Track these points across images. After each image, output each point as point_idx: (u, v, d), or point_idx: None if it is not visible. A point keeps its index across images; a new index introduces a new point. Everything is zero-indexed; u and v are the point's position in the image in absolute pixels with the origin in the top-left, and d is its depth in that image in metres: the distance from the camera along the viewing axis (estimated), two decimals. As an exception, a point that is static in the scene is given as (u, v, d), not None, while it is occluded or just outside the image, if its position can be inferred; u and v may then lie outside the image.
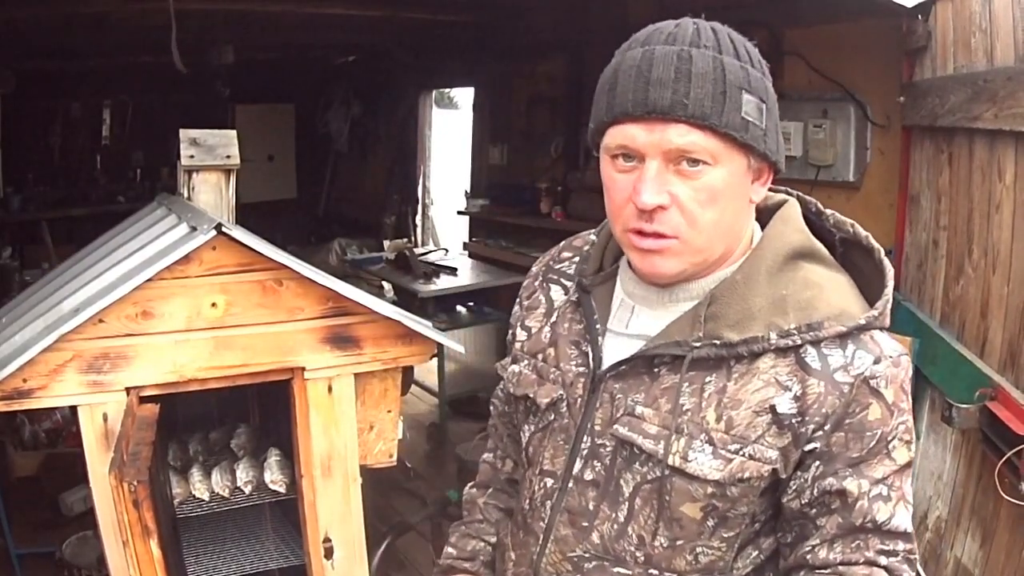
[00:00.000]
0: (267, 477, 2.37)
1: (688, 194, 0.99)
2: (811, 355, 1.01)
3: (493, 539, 1.34)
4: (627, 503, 1.08)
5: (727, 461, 1.02)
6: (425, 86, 7.07)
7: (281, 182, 8.35)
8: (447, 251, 6.27)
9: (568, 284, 1.22)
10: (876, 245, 1.11)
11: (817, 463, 1.02)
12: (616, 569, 1.10)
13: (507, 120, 5.75)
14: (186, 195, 2.50)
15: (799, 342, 1.01)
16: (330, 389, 2.22)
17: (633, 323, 1.12)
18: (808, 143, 3.34)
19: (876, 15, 2.85)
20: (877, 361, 1.01)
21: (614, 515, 1.09)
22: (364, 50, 7.08)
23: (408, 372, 2.44)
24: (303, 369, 2.18)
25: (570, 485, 1.13)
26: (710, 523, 1.05)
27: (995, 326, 2.13)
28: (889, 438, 1.01)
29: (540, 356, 1.19)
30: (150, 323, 2.00)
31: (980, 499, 2.15)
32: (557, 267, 1.26)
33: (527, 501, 1.20)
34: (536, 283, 1.27)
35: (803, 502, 1.04)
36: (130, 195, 7.26)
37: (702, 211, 1.00)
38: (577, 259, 1.24)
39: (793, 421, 1.01)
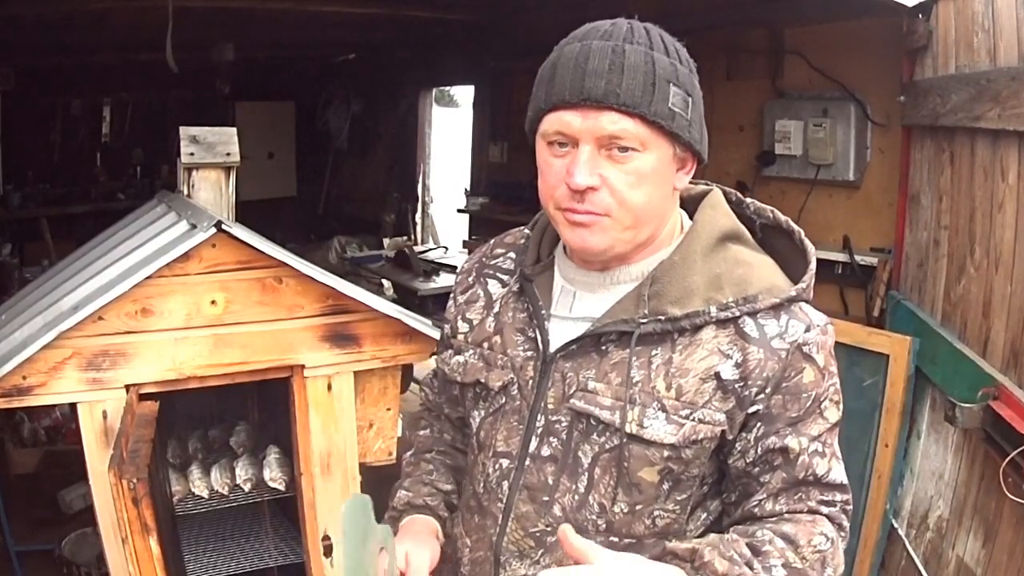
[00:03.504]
0: (266, 475, 2.37)
1: (618, 177, 1.07)
2: (749, 325, 1.10)
3: (447, 486, 1.37)
4: (587, 473, 1.14)
5: (680, 426, 1.09)
6: (425, 84, 7.06)
7: (281, 180, 8.34)
8: (447, 249, 6.26)
9: (504, 277, 1.29)
10: (796, 228, 1.21)
11: (759, 424, 1.10)
12: None
13: (507, 118, 5.74)
14: (186, 192, 2.49)
15: (737, 314, 1.10)
16: (329, 387, 2.22)
17: (576, 307, 1.18)
18: (808, 142, 3.33)
19: (877, 14, 2.85)
20: (808, 329, 1.11)
21: (574, 486, 1.15)
22: (364, 48, 7.07)
23: (408, 370, 2.44)
24: (303, 367, 2.17)
25: (527, 463, 1.18)
26: (665, 486, 1.13)
27: (998, 325, 2.13)
28: (821, 399, 1.12)
29: (486, 344, 1.24)
30: (150, 320, 2.00)
31: (982, 498, 2.15)
32: (492, 263, 1.33)
33: (481, 485, 1.24)
34: (471, 279, 1.33)
35: (747, 461, 1.12)
36: (130, 192, 7.26)
37: (631, 192, 1.07)
38: (512, 254, 1.31)
39: (736, 386, 1.09)
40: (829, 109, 3.26)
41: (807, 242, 1.19)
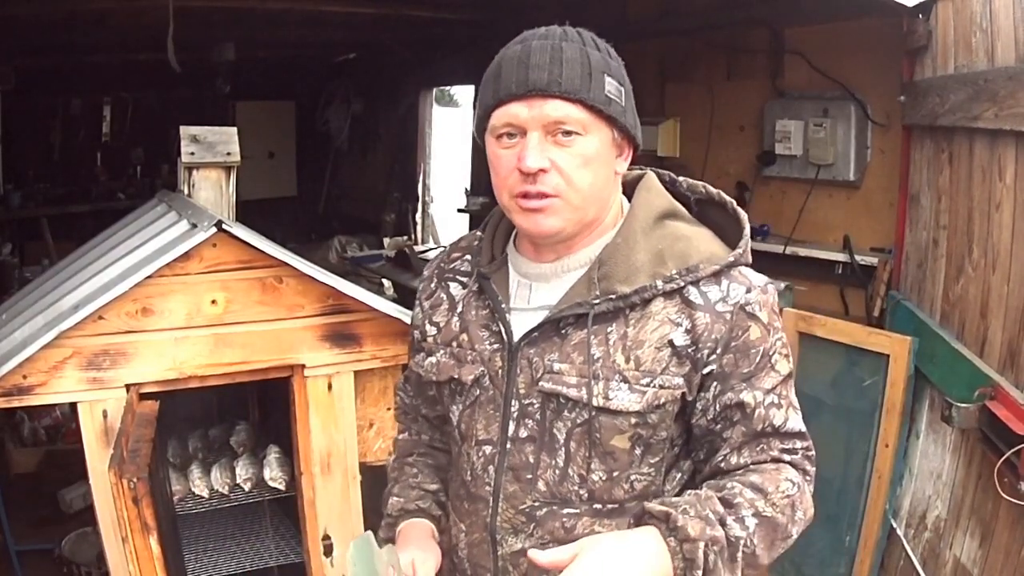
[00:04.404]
0: (266, 474, 2.37)
1: (565, 159, 1.16)
2: (693, 294, 1.18)
3: (433, 486, 1.44)
4: (563, 448, 1.22)
5: (642, 393, 1.17)
6: (426, 84, 7.06)
7: (281, 179, 8.34)
8: (447, 249, 6.25)
9: (464, 280, 1.37)
10: (728, 199, 1.30)
11: (715, 383, 1.19)
12: (565, 510, 1.23)
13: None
14: (186, 192, 2.50)
15: (681, 284, 1.18)
16: (330, 386, 2.22)
17: (533, 298, 1.27)
18: (808, 142, 3.33)
19: (876, 14, 2.85)
20: (749, 290, 1.19)
21: (554, 462, 1.23)
22: (365, 48, 7.07)
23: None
24: (303, 366, 2.18)
25: (508, 446, 1.25)
26: (638, 451, 1.21)
27: (995, 325, 2.13)
28: (770, 353, 1.19)
29: (454, 343, 1.32)
30: (150, 320, 2.00)
31: (979, 498, 2.15)
32: (450, 267, 1.41)
33: (468, 473, 1.32)
34: (432, 284, 1.41)
35: (708, 419, 1.20)
36: (130, 192, 7.27)
37: (577, 172, 1.17)
38: (468, 256, 1.40)
39: (689, 350, 1.17)
40: (829, 109, 3.26)
41: (740, 211, 1.28)
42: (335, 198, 8.31)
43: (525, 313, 1.26)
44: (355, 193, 7.95)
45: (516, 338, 1.24)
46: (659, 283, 1.18)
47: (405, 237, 6.74)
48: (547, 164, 1.16)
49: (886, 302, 2.89)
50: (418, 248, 6.09)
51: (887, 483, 2.61)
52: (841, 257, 3.20)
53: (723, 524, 1.10)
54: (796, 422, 1.22)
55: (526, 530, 1.25)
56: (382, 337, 2.24)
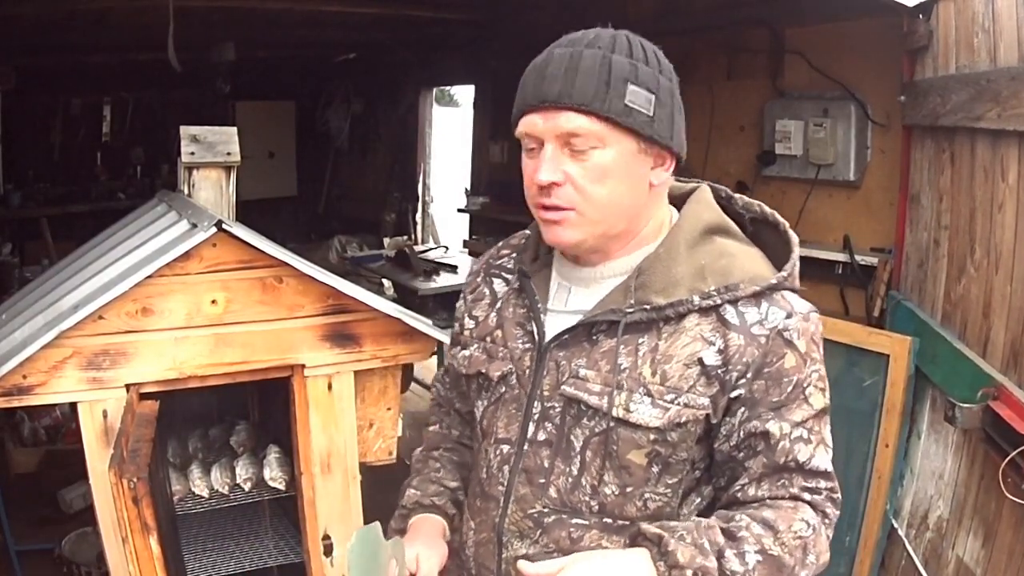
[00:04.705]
0: (266, 474, 2.37)
1: (579, 172, 1.14)
2: (730, 313, 1.14)
3: (453, 484, 1.43)
4: (579, 456, 1.19)
5: (665, 410, 1.14)
6: (426, 84, 7.06)
7: (281, 179, 8.34)
8: (447, 249, 6.25)
9: (508, 277, 1.36)
10: (781, 220, 1.26)
11: (743, 409, 1.14)
12: (574, 520, 1.21)
13: (507, 118, 5.68)
14: (186, 192, 2.49)
15: (719, 302, 1.14)
16: (330, 386, 2.22)
17: (571, 301, 1.25)
18: (808, 142, 3.33)
19: (877, 14, 2.84)
20: (789, 316, 1.15)
21: (568, 469, 1.20)
22: (365, 47, 7.06)
23: (408, 369, 2.44)
24: (303, 366, 2.17)
25: (525, 447, 1.24)
26: (655, 469, 1.17)
27: (998, 325, 2.13)
28: (804, 385, 1.15)
29: (489, 338, 1.32)
30: (150, 320, 2.00)
31: (982, 498, 2.15)
32: (497, 263, 1.41)
33: (484, 471, 1.31)
34: (479, 279, 1.41)
35: (731, 445, 1.16)
36: (130, 192, 7.26)
37: (593, 186, 1.14)
38: (515, 255, 1.39)
39: (719, 371, 1.13)
40: (829, 109, 3.25)
41: (791, 233, 1.24)
42: (335, 198, 8.31)
43: (561, 315, 1.24)
44: (355, 193, 7.95)
45: (547, 339, 1.23)
46: (696, 298, 1.15)
47: (405, 237, 6.73)
48: (560, 177, 1.14)
49: (886, 302, 2.89)
50: (418, 248, 6.08)
51: (887, 483, 2.61)
52: (841, 257, 3.19)
53: (720, 556, 1.08)
54: (823, 461, 1.17)
55: (532, 536, 1.24)
56: (382, 337, 2.24)
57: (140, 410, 1.96)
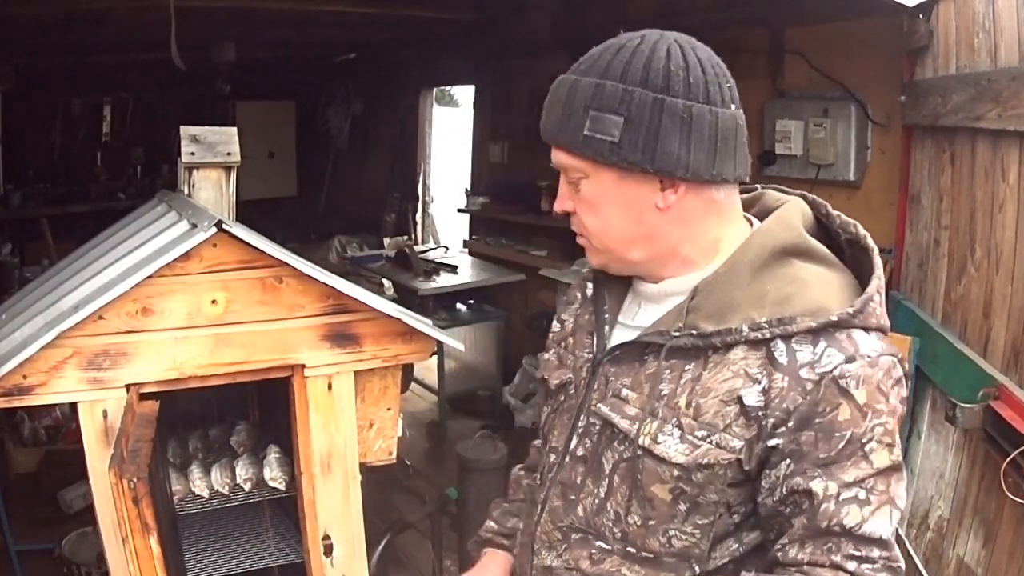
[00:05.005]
0: (267, 474, 2.37)
1: (578, 203, 1.15)
2: (780, 350, 1.03)
3: None
4: (607, 479, 1.15)
5: (693, 447, 1.06)
6: (426, 84, 7.06)
7: (281, 179, 8.34)
8: (447, 249, 6.25)
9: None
10: (872, 244, 1.13)
11: (787, 461, 1.02)
12: (598, 543, 1.16)
13: (508, 118, 5.74)
14: (187, 192, 2.49)
15: (769, 335, 1.03)
16: (330, 386, 2.22)
17: (639, 316, 1.20)
18: (808, 142, 3.33)
19: (877, 14, 2.84)
20: (850, 360, 1.01)
21: (596, 490, 1.16)
22: (365, 47, 7.07)
23: (408, 370, 2.44)
24: (303, 366, 2.17)
25: (566, 460, 1.21)
26: (682, 507, 1.09)
27: (998, 325, 2.12)
28: (863, 440, 1.00)
29: (563, 344, 1.31)
30: (150, 320, 2.00)
31: (983, 498, 2.15)
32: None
33: (539, 476, 1.31)
34: (579, 281, 1.38)
35: (775, 499, 1.05)
36: (130, 192, 7.26)
37: (588, 217, 1.14)
38: None
39: (759, 413, 1.02)
40: (829, 109, 3.26)
41: (877, 260, 1.10)
42: (335, 198, 8.31)
43: (626, 330, 1.19)
44: (355, 193, 7.95)
45: (604, 352, 1.19)
46: (745, 328, 1.03)
47: (405, 237, 6.73)
48: (570, 207, 1.16)
49: (887, 302, 2.89)
50: (418, 248, 6.08)
51: (888, 483, 2.61)
52: (842, 257, 3.19)
53: None
54: (880, 526, 1.00)
55: (558, 548, 1.21)
56: (382, 337, 2.24)
57: (140, 410, 1.96)
